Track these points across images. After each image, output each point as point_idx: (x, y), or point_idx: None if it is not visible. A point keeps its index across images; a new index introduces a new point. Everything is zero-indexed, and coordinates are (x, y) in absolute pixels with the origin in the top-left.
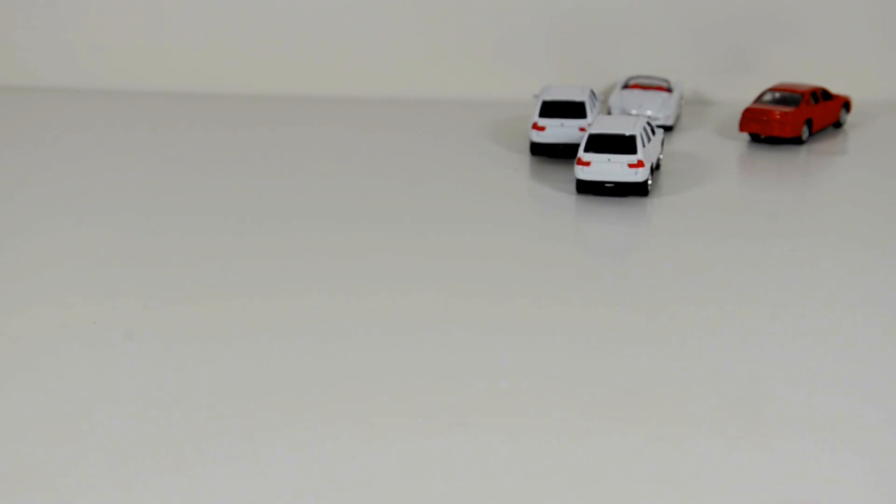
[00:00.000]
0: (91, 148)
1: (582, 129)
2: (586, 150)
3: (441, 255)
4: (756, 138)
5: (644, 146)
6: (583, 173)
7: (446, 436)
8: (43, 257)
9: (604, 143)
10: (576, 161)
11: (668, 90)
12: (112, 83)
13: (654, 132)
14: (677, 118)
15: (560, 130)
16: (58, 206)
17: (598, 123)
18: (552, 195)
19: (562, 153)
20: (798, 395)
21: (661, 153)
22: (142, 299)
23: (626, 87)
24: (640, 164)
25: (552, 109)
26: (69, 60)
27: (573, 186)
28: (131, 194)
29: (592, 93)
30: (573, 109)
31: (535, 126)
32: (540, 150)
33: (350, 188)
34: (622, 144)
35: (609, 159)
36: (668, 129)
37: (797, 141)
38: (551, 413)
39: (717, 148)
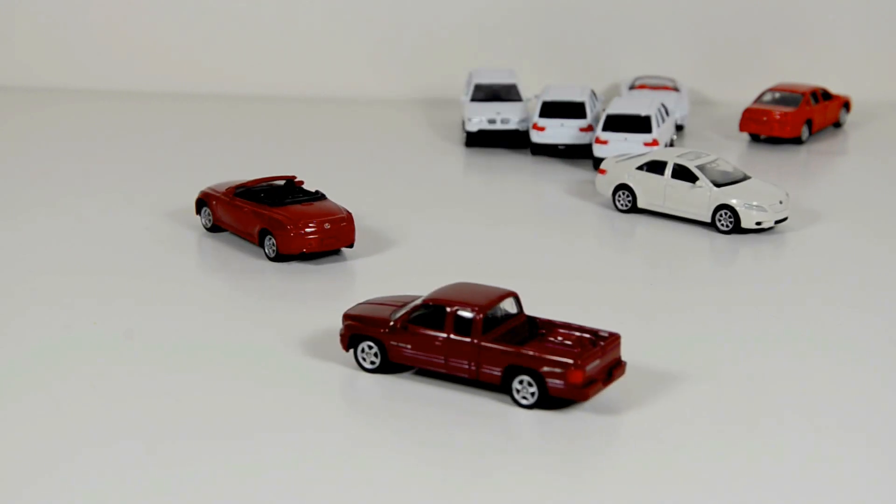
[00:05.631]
0: (90, 148)
1: (582, 130)
2: (604, 129)
3: (440, 254)
4: (756, 138)
5: (659, 126)
6: (601, 152)
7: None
8: (43, 257)
9: (621, 123)
10: (594, 140)
11: (676, 90)
12: (112, 83)
13: (668, 113)
14: (685, 118)
15: (560, 130)
16: (57, 206)
17: (614, 104)
18: (552, 195)
19: (562, 153)
20: (799, 396)
21: (674, 135)
22: (139, 300)
23: (632, 87)
24: (654, 143)
25: (552, 109)
26: (69, 60)
27: (573, 186)
28: (130, 194)
29: (593, 93)
30: (573, 109)
31: (535, 126)
32: (540, 150)
33: (354, 183)
34: (638, 124)
35: (626, 139)
36: (679, 128)
37: (797, 141)
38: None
39: (717, 148)
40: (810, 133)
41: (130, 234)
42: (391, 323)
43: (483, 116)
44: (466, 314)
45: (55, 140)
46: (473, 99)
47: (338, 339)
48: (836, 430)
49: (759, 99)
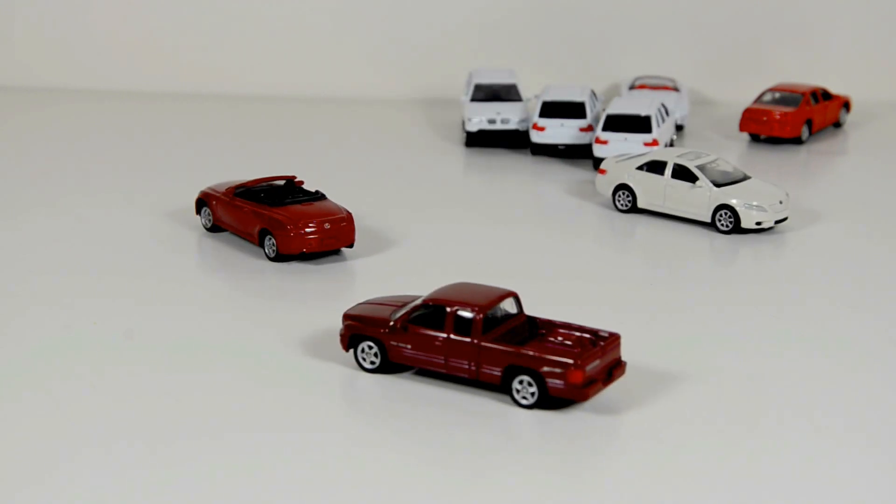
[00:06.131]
0: (90, 148)
1: (582, 130)
2: (604, 129)
3: (440, 254)
4: (756, 138)
5: (659, 126)
6: (601, 152)
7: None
8: (43, 257)
9: (621, 123)
10: (594, 140)
11: (676, 90)
12: (112, 83)
13: (668, 113)
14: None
15: (560, 130)
16: (57, 206)
17: (614, 104)
18: (552, 195)
19: (562, 153)
20: (799, 396)
21: (674, 135)
22: (140, 300)
23: (633, 87)
24: (654, 143)
25: (552, 109)
26: (69, 60)
27: (573, 186)
28: (130, 194)
29: (593, 93)
30: (573, 109)
31: (535, 126)
32: (540, 150)
33: (354, 183)
34: (638, 124)
35: (626, 139)
36: (679, 128)
37: (797, 141)
38: (558, 410)
39: (717, 148)
40: (810, 133)
41: (130, 234)
42: (391, 323)
43: (483, 116)
44: (466, 314)
45: (55, 140)
46: (473, 99)
47: (338, 339)
48: (836, 430)
49: (759, 99)
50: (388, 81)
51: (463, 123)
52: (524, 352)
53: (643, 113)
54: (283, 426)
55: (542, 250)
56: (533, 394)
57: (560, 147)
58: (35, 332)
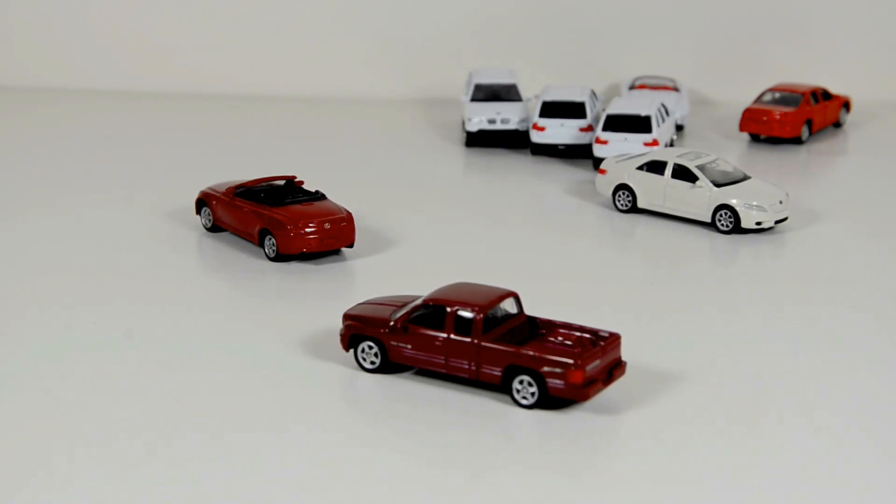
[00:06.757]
0: (90, 148)
1: (582, 130)
2: (604, 129)
3: (440, 254)
4: (756, 138)
5: (659, 126)
6: (601, 152)
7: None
8: (43, 257)
9: (621, 123)
10: (594, 140)
11: (676, 90)
12: (112, 83)
13: (668, 113)
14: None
15: (560, 130)
16: (57, 206)
17: (614, 104)
18: (552, 195)
19: (562, 153)
20: (799, 396)
21: (674, 135)
22: (140, 300)
23: (633, 87)
24: (654, 143)
25: (552, 109)
26: (69, 60)
27: (573, 186)
28: (130, 194)
29: (593, 93)
30: (573, 109)
31: (535, 126)
32: (540, 150)
33: (354, 183)
34: (638, 124)
35: (626, 138)
36: (679, 128)
37: (797, 141)
38: (560, 410)
39: (717, 148)
40: (810, 133)
41: (130, 234)
42: (391, 323)
43: (483, 116)
44: (466, 314)
45: (55, 140)
46: (473, 99)
47: (338, 339)
48: (836, 430)
49: (759, 99)
50: (388, 81)
51: (463, 123)
52: (524, 352)
53: (643, 113)
54: (283, 426)
55: (542, 250)
56: (533, 394)
57: (560, 147)
58: (35, 332)
